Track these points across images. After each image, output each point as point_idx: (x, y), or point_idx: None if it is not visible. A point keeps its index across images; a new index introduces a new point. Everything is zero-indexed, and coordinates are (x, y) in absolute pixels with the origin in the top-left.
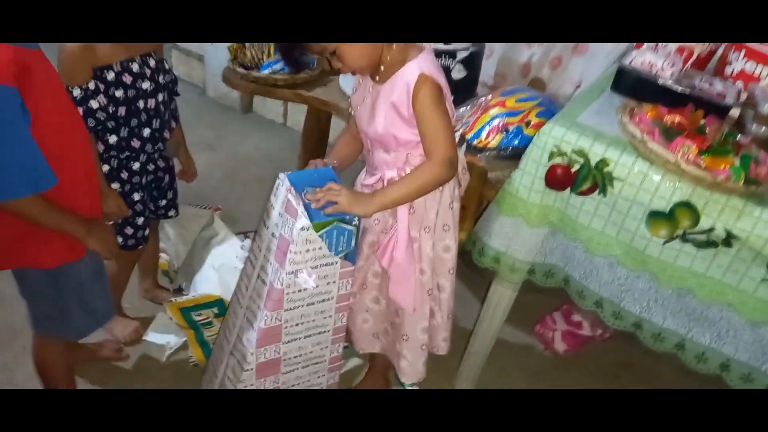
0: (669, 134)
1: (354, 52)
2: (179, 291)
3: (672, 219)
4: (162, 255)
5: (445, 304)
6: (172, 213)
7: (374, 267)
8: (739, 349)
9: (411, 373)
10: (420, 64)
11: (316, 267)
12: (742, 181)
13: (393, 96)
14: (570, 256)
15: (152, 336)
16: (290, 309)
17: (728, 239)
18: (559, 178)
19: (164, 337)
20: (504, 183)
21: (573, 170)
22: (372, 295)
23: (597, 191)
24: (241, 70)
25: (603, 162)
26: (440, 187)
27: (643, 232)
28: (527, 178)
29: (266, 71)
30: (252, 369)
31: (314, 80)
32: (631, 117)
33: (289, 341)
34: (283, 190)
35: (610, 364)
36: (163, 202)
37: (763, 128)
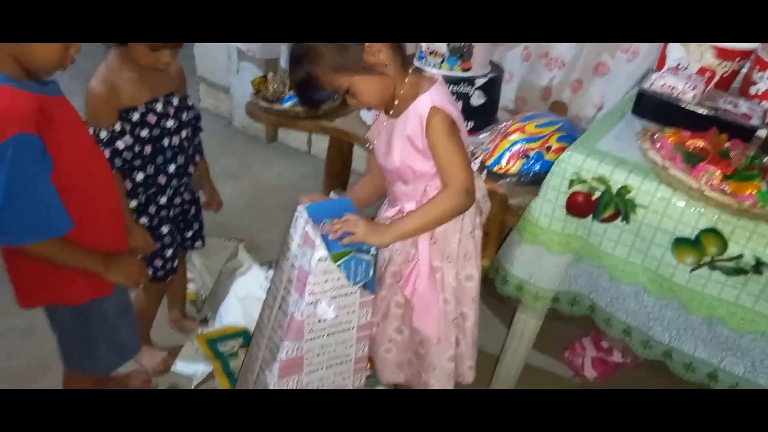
0: (692, 159)
1: (367, 88)
2: (205, 321)
3: (698, 246)
4: (189, 285)
5: (470, 332)
6: (198, 244)
7: (397, 297)
8: None
9: None
10: (432, 96)
11: (336, 297)
12: None
13: (407, 129)
14: (595, 283)
15: (180, 366)
16: (311, 339)
17: (758, 266)
18: (580, 206)
19: (192, 367)
20: (525, 210)
21: (594, 197)
22: (395, 325)
23: (620, 218)
24: (264, 103)
25: (624, 189)
26: (461, 216)
27: (669, 260)
28: (548, 206)
29: (288, 104)
30: None
31: (335, 111)
32: (652, 142)
33: (311, 371)
34: (301, 221)
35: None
36: (190, 234)
37: None
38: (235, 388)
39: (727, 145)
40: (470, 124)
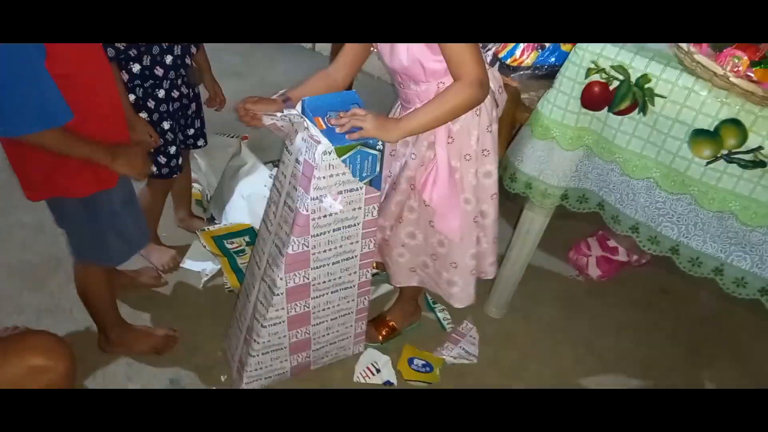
0: (718, 44)
1: None
2: (212, 220)
3: (717, 138)
4: (194, 185)
5: (490, 229)
6: (200, 142)
7: (410, 202)
8: None
9: (464, 297)
10: None
11: (341, 192)
12: None
13: None
14: (605, 179)
15: (189, 263)
16: (317, 235)
17: None
18: (596, 97)
19: (200, 265)
20: (536, 105)
21: (611, 88)
22: (408, 230)
23: (636, 110)
24: None
25: (644, 78)
26: (477, 111)
27: (684, 153)
28: (562, 98)
29: None
30: (282, 294)
31: None
32: None
33: (317, 267)
34: (305, 115)
35: (645, 291)
36: (191, 132)
37: None
38: (242, 283)
39: None
40: None
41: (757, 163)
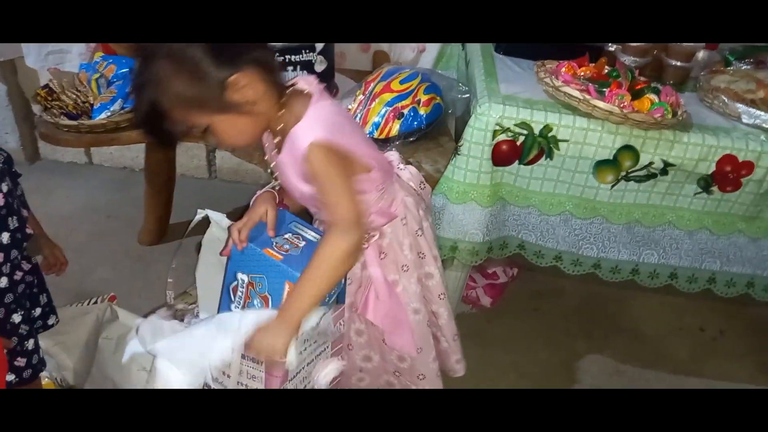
0: (602, 87)
1: (231, 129)
2: None
3: (616, 164)
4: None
5: (446, 328)
6: (51, 320)
7: (355, 325)
8: (682, 258)
9: None
10: (308, 127)
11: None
12: (671, 115)
13: (296, 164)
14: (523, 223)
15: None
16: (293, 378)
17: (665, 168)
18: (505, 154)
19: None
20: (444, 174)
21: (518, 143)
22: (362, 354)
23: (544, 157)
24: (66, 121)
25: (546, 128)
26: (403, 219)
27: (591, 183)
28: (473, 162)
29: (102, 115)
30: None
31: None
32: (556, 78)
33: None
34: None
35: (527, 299)
36: (38, 311)
37: (632, 59)
38: None
39: (608, 68)
40: None
41: (650, 176)
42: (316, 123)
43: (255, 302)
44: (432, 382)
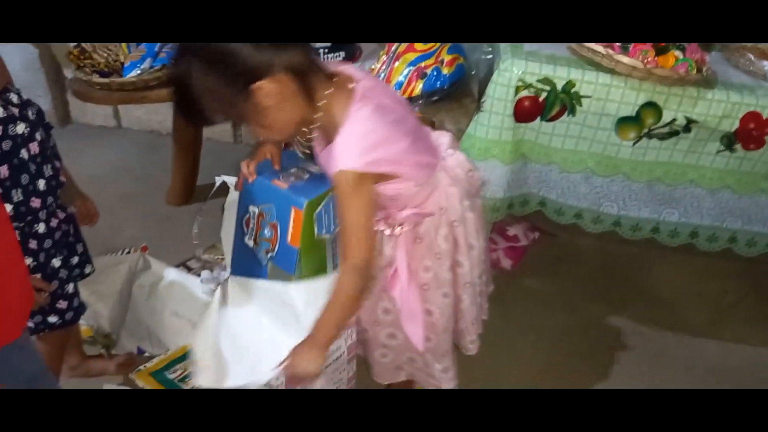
0: (625, 43)
1: (261, 128)
2: (109, 352)
3: (638, 121)
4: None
5: (467, 312)
6: (88, 269)
7: (383, 303)
8: (704, 217)
9: (454, 378)
10: (346, 145)
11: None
12: (695, 71)
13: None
14: (544, 180)
15: None
16: None
17: (688, 125)
18: (528, 110)
19: None
20: (466, 131)
21: (541, 99)
22: (386, 331)
23: (566, 113)
24: (98, 79)
25: (569, 84)
26: (442, 209)
27: (613, 140)
28: (495, 119)
29: (133, 73)
30: None
31: None
32: None
33: None
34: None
35: (547, 262)
36: (76, 260)
37: None
38: None
39: None
40: (341, 54)
41: (672, 133)
42: (351, 142)
43: (265, 231)
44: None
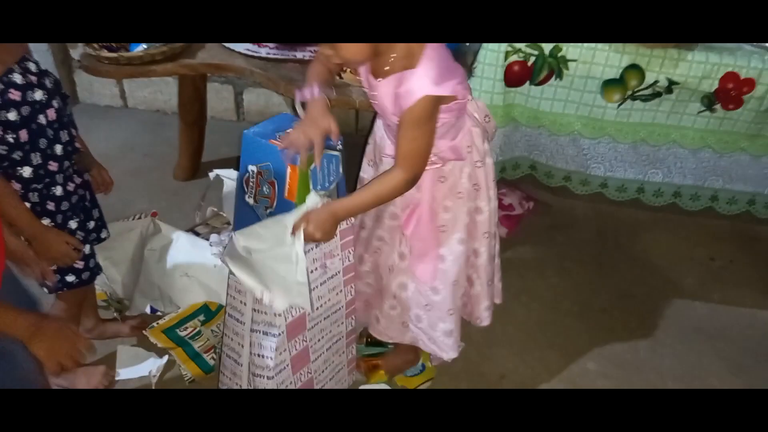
0: None
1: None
2: (121, 314)
3: (622, 83)
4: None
5: (483, 270)
6: (104, 234)
7: (399, 248)
8: (686, 177)
9: (456, 345)
10: (427, 73)
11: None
12: None
13: (398, 100)
14: (535, 143)
15: (125, 373)
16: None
17: (669, 87)
18: (517, 75)
19: (140, 369)
20: None
21: (529, 63)
22: (399, 280)
23: (554, 77)
24: (106, 53)
25: (556, 48)
26: (468, 147)
27: (599, 102)
28: (487, 83)
29: (140, 48)
30: (287, 364)
31: (194, 44)
32: None
33: (312, 327)
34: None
35: (542, 230)
36: (92, 225)
37: None
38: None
39: None
40: None
41: (655, 95)
42: (432, 71)
43: (264, 189)
44: (457, 319)
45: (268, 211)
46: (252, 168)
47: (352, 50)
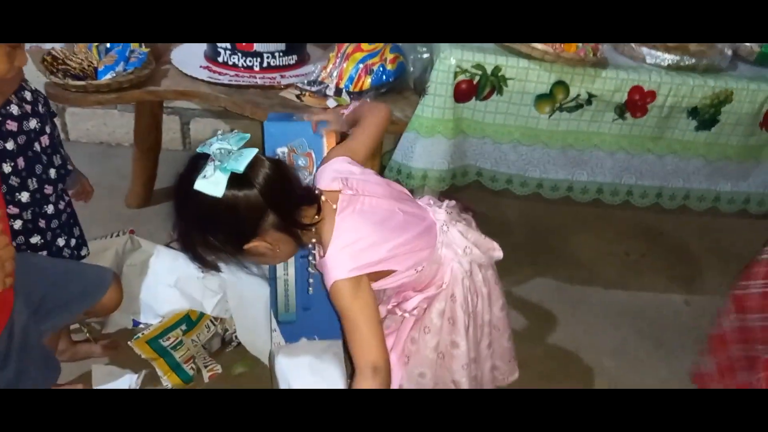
0: None
1: (259, 260)
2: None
3: (552, 96)
4: None
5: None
6: (84, 251)
7: (412, 333)
8: (606, 175)
9: None
10: (335, 257)
11: None
12: (592, 54)
13: None
14: (480, 152)
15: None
16: None
17: (589, 99)
18: (465, 92)
19: (116, 386)
20: (414, 113)
21: (475, 82)
22: (419, 370)
23: (495, 93)
24: (74, 82)
25: (497, 68)
26: (443, 282)
27: (533, 114)
28: (439, 100)
29: (108, 76)
30: None
31: (158, 73)
32: None
33: None
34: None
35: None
36: (73, 242)
37: None
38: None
39: None
40: (294, 58)
41: (578, 106)
42: (340, 254)
43: (299, 162)
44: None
45: (308, 180)
46: (281, 150)
47: (260, 262)
